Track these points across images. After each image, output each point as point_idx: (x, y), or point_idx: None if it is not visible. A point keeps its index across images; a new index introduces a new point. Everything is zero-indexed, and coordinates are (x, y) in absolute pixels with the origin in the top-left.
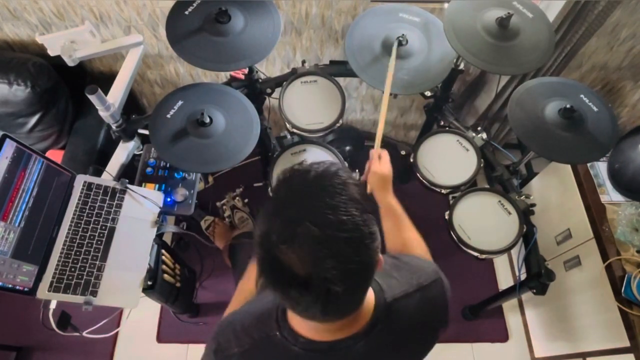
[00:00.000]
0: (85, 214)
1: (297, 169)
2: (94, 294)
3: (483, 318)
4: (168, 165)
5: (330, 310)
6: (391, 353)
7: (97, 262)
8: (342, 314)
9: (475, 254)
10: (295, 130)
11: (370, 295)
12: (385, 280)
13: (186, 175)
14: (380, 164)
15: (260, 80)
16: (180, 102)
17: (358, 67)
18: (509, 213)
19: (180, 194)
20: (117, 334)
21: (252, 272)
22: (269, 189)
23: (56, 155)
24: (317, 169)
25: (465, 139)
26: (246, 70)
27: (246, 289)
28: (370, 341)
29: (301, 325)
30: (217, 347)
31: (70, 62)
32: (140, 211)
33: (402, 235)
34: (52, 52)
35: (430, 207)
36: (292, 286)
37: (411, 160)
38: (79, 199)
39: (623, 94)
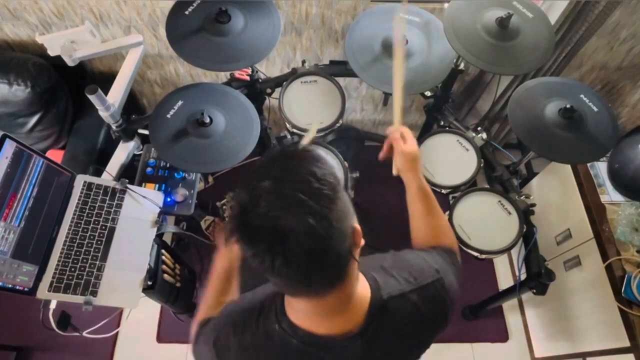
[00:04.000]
0: (85, 214)
1: (269, 152)
2: (94, 294)
3: (483, 318)
4: (168, 165)
5: (307, 272)
6: (389, 351)
7: (97, 262)
8: (322, 281)
9: (475, 254)
10: (295, 130)
11: (366, 290)
12: (383, 277)
13: (186, 175)
14: (405, 142)
15: (260, 80)
16: (180, 102)
17: (358, 67)
18: (509, 213)
19: (180, 194)
20: (117, 334)
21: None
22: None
23: (56, 155)
24: (287, 147)
25: (465, 139)
26: (250, 71)
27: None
28: (366, 340)
29: (298, 316)
30: (217, 338)
31: (70, 62)
32: (140, 211)
33: (432, 221)
34: (52, 52)
35: None
36: (266, 248)
37: None
38: (79, 199)
39: (623, 94)
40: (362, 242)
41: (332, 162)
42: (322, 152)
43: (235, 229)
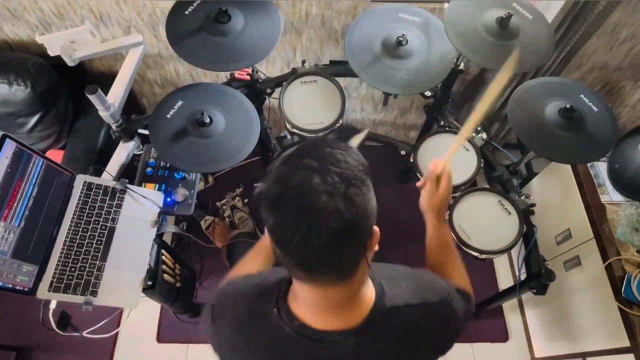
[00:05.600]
0: (85, 214)
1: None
2: (94, 294)
3: (483, 318)
4: (168, 165)
5: (322, 255)
6: (381, 358)
7: (97, 262)
8: (332, 270)
9: (475, 254)
10: (295, 130)
11: (371, 294)
12: (390, 285)
13: (186, 175)
14: (439, 185)
15: (260, 80)
16: (180, 102)
17: (358, 67)
18: (509, 213)
19: (180, 194)
20: (117, 334)
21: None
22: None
23: (56, 155)
24: (331, 137)
25: None
26: (250, 71)
27: (262, 248)
28: (361, 341)
29: (298, 306)
30: (218, 306)
31: (70, 62)
32: (140, 211)
33: (447, 262)
34: (52, 52)
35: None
36: (292, 220)
37: (411, 160)
38: (79, 199)
39: (623, 94)
40: (377, 247)
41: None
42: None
43: (267, 194)
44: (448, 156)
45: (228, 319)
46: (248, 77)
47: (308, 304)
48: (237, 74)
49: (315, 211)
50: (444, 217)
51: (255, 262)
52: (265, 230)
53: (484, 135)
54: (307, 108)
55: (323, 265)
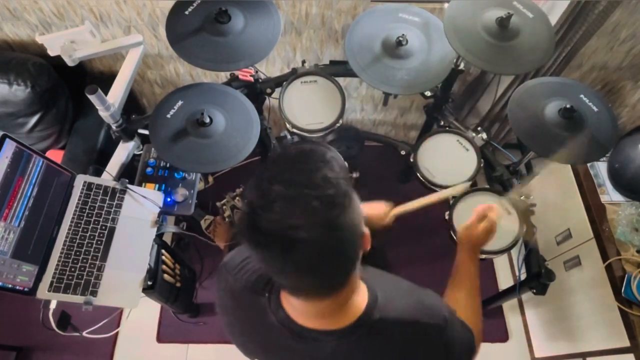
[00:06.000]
0: (85, 214)
1: (282, 150)
2: (94, 294)
3: (483, 318)
4: (168, 165)
5: (314, 279)
6: None
7: (97, 262)
8: (324, 287)
9: None
10: (295, 130)
11: (361, 302)
12: (387, 298)
13: (186, 175)
14: (478, 228)
15: (260, 80)
16: (180, 102)
17: (358, 67)
18: (509, 213)
19: (180, 194)
20: (117, 334)
21: None
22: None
23: (56, 155)
24: (301, 147)
25: (465, 139)
26: (252, 71)
27: None
28: (341, 345)
29: (287, 299)
30: (226, 263)
31: (70, 62)
32: (140, 211)
33: (455, 294)
34: (52, 52)
35: (430, 207)
36: (277, 255)
37: (411, 160)
38: (79, 199)
39: (623, 94)
40: (369, 246)
41: (342, 161)
42: (333, 153)
43: (245, 231)
44: (497, 210)
45: (227, 282)
46: (252, 79)
47: (295, 308)
48: (240, 75)
49: (296, 246)
50: (474, 257)
51: None
52: None
53: (484, 135)
54: (307, 108)
55: (312, 285)
